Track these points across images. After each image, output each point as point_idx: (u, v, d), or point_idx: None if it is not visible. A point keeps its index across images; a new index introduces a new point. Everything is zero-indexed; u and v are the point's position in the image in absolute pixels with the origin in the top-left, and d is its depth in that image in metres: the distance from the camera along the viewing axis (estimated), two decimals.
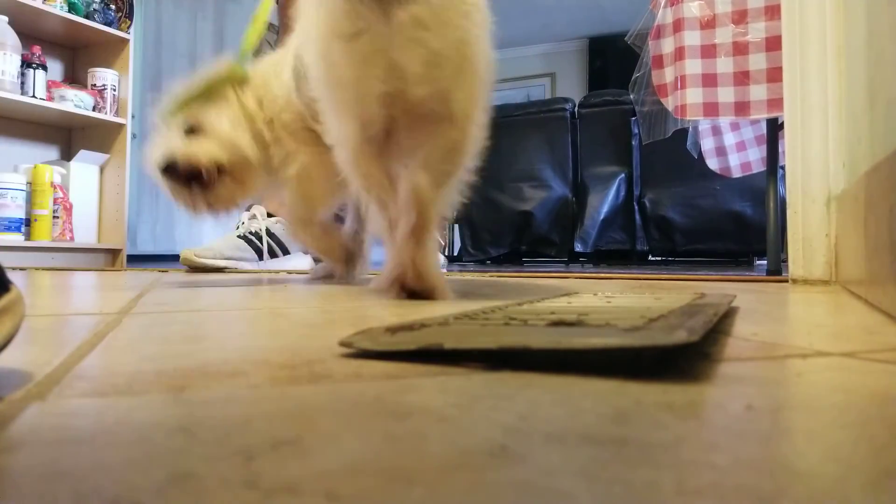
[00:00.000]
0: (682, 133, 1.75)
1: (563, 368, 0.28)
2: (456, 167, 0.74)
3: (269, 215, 1.60)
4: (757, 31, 1.32)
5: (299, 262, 1.62)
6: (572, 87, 6.38)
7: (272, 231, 1.59)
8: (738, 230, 2.70)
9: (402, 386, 0.25)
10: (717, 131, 1.78)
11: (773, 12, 1.28)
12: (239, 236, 1.57)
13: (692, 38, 1.37)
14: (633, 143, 2.95)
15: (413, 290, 0.68)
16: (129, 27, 2.52)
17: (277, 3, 1.48)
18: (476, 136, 0.74)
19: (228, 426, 0.20)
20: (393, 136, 0.75)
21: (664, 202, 2.86)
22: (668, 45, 1.45)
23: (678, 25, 1.40)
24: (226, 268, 1.53)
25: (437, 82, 0.69)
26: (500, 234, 3.07)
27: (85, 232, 2.44)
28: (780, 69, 1.10)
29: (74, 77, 2.54)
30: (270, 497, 0.14)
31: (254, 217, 1.60)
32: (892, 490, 0.14)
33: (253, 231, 1.58)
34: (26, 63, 2.21)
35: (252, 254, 1.56)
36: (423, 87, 0.69)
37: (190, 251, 1.53)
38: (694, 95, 1.37)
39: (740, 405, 0.22)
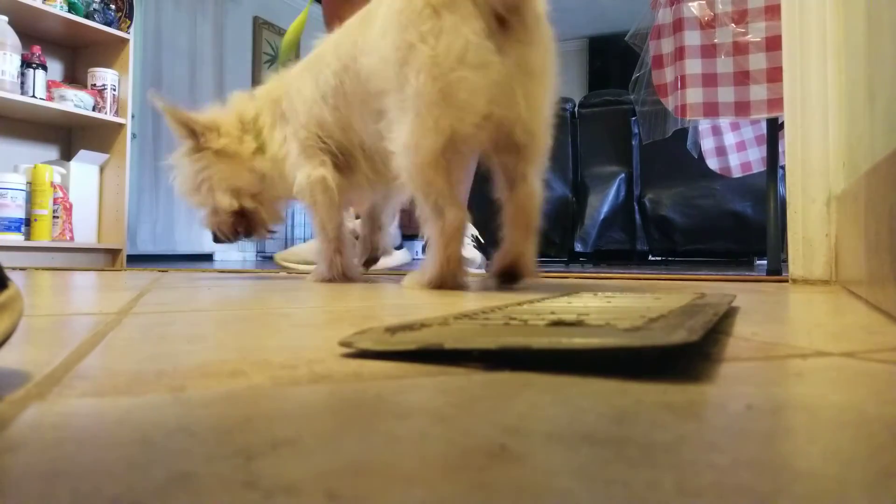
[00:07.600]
0: (682, 133, 1.75)
1: (563, 368, 0.28)
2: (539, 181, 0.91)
3: (358, 217, 1.58)
4: (757, 31, 1.32)
5: (393, 260, 1.62)
6: (572, 87, 6.37)
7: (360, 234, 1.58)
8: (738, 230, 2.70)
9: (402, 386, 0.25)
10: (717, 131, 1.78)
11: (773, 12, 1.28)
12: None
13: (692, 38, 1.37)
14: (633, 143, 2.95)
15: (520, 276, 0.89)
16: (129, 27, 2.51)
17: (320, 1, 1.49)
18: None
19: (228, 426, 0.20)
20: (466, 155, 0.91)
21: (664, 202, 2.86)
22: (668, 45, 1.45)
23: (678, 25, 1.40)
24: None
25: (536, 115, 0.86)
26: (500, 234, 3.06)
27: (85, 232, 2.44)
28: (780, 69, 1.10)
29: (74, 77, 2.54)
30: (270, 497, 0.14)
31: None
32: (892, 490, 0.14)
33: None
34: (26, 63, 2.20)
35: None
36: (529, 117, 0.85)
37: (279, 255, 1.60)
38: (694, 95, 1.37)
39: (740, 405, 0.22)
